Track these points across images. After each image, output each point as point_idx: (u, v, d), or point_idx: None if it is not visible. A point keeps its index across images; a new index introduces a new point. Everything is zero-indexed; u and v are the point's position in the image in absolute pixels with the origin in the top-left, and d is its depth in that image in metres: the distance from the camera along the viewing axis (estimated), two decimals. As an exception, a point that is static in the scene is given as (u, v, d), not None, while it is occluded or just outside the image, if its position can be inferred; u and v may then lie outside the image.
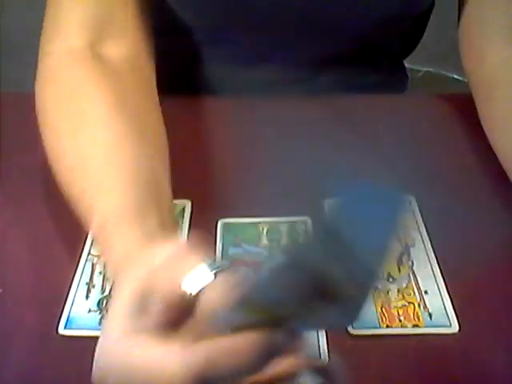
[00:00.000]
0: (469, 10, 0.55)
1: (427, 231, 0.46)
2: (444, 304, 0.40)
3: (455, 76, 1.02)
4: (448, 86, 1.06)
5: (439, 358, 0.38)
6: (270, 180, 0.51)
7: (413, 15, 0.59)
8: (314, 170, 0.52)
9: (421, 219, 0.47)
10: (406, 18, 0.60)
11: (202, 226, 0.47)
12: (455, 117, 0.58)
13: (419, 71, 1.00)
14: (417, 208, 0.48)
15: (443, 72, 1.04)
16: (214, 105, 0.57)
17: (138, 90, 0.47)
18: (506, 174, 0.47)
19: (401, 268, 0.43)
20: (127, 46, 0.49)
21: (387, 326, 0.39)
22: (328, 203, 0.48)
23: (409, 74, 0.81)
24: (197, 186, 0.51)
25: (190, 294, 0.28)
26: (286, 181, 0.51)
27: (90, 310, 0.42)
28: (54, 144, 0.45)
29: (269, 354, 0.27)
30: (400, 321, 0.40)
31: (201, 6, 0.56)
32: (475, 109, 0.53)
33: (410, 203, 0.48)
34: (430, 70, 1.02)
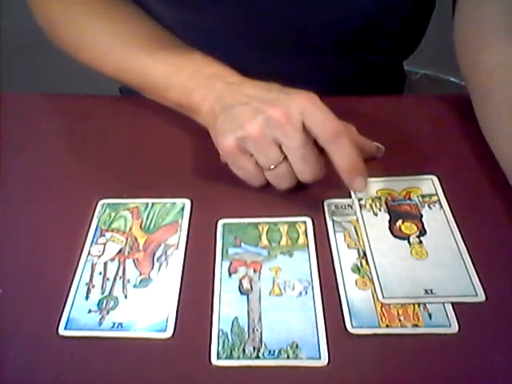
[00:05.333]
0: (464, 12, 0.55)
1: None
2: (444, 304, 0.40)
3: (452, 79, 1.03)
4: (445, 89, 1.07)
5: (439, 358, 0.38)
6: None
7: (397, 14, 0.59)
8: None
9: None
10: (391, 18, 0.60)
11: (202, 225, 0.47)
12: (453, 116, 0.58)
13: (416, 73, 1.01)
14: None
15: (440, 75, 1.04)
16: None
17: None
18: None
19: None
20: None
21: (387, 326, 0.39)
22: (328, 204, 0.48)
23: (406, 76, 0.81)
24: (197, 186, 0.51)
25: None
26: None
27: (90, 311, 0.42)
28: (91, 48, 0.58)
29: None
30: (400, 320, 0.40)
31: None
32: (471, 107, 0.54)
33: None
34: (427, 72, 1.02)
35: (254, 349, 0.38)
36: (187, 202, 0.49)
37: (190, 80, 0.51)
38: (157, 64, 0.54)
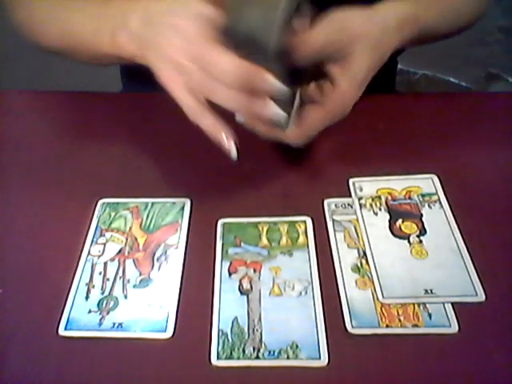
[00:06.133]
0: None
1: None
2: (444, 304, 0.41)
3: (451, 79, 1.03)
4: (444, 89, 1.07)
5: (439, 358, 0.38)
6: (269, 180, 0.51)
7: None
8: (314, 170, 0.52)
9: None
10: None
11: (202, 225, 0.47)
12: (453, 115, 0.58)
13: (416, 74, 1.01)
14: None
15: (440, 75, 1.04)
16: (214, 103, 0.57)
17: None
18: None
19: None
20: None
21: (387, 326, 0.39)
22: (328, 203, 0.48)
23: (397, 75, 0.80)
24: (197, 186, 0.51)
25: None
26: (286, 181, 0.51)
27: (89, 311, 0.42)
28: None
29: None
30: (400, 321, 0.40)
31: None
32: (471, 107, 0.54)
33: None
34: (427, 72, 1.02)
35: (253, 349, 0.38)
36: (187, 202, 0.49)
37: (112, 29, 0.48)
38: (84, 21, 0.52)
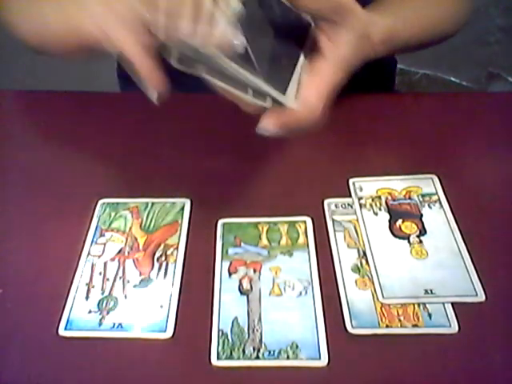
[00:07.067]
0: None
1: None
2: (444, 304, 0.41)
3: (452, 78, 1.03)
4: (445, 88, 1.07)
5: (439, 358, 0.38)
6: (270, 180, 0.51)
7: None
8: (314, 170, 0.52)
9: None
10: None
11: (202, 225, 0.47)
12: (454, 115, 0.58)
13: (416, 73, 1.01)
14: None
15: (440, 75, 1.04)
16: (214, 103, 0.57)
17: None
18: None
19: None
20: None
21: (387, 326, 0.39)
22: (328, 203, 0.48)
23: (398, 75, 0.81)
24: (197, 186, 0.51)
25: None
26: (286, 181, 0.51)
27: (90, 311, 0.42)
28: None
29: None
30: (400, 321, 0.40)
31: None
32: (471, 107, 0.53)
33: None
34: (428, 72, 1.02)
35: (253, 349, 0.38)
36: (187, 202, 0.49)
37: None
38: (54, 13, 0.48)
